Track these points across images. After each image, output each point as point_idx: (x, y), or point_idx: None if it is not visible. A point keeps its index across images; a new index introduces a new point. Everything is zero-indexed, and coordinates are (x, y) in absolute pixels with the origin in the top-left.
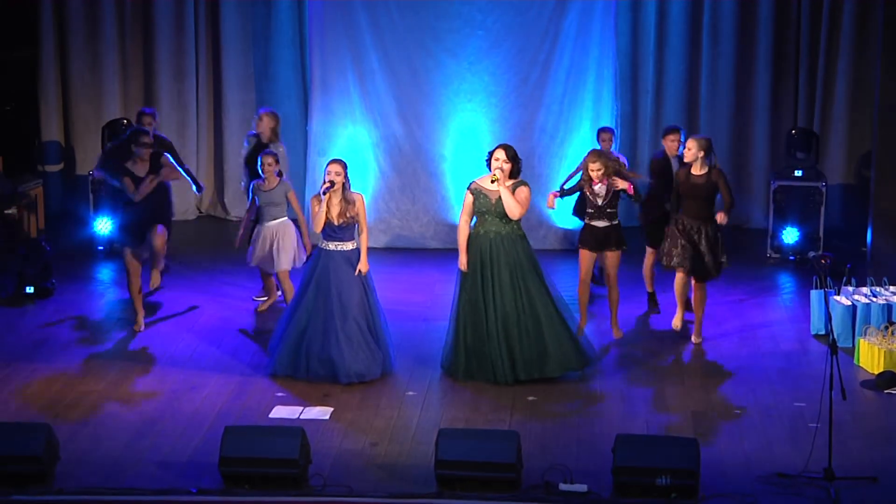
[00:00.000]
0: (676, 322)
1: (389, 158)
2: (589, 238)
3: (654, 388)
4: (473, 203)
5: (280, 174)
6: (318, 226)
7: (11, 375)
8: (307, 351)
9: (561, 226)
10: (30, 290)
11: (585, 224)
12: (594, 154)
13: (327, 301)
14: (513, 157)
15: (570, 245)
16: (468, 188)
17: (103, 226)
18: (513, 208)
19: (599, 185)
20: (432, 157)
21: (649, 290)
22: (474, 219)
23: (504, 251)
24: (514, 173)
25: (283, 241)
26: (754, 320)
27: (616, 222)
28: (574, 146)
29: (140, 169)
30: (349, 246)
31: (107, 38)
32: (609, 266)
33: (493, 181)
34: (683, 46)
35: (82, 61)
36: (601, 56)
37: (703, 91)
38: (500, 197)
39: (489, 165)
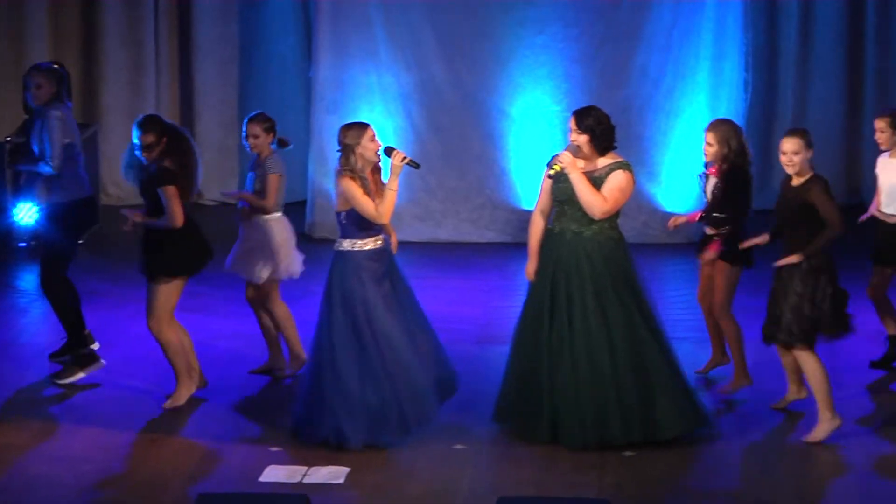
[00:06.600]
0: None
1: (427, 115)
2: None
3: (794, 445)
4: (552, 188)
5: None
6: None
7: None
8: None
9: (669, 209)
10: None
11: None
12: (710, 126)
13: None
14: (591, 125)
15: (684, 238)
16: (548, 165)
17: (26, 214)
18: (590, 202)
19: (710, 175)
20: (489, 113)
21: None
22: (554, 210)
23: (587, 259)
24: (602, 147)
25: None
26: None
27: (725, 230)
28: (687, 96)
29: None
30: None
31: None
32: (715, 288)
33: (549, 175)
34: None
35: None
36: None
37: (870, 18)
38: None
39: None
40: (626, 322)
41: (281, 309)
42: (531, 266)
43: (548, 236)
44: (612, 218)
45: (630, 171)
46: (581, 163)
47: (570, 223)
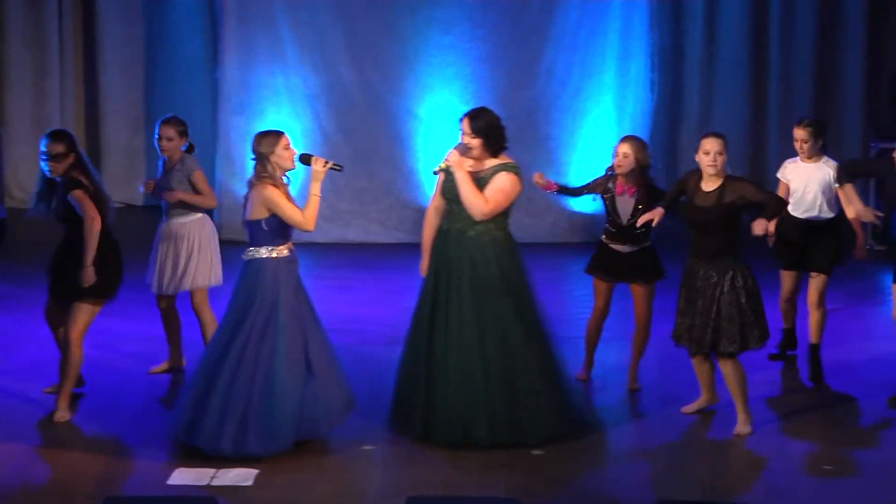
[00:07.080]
0: (688, 408)
1: (335, 116)
2: (602, 262)
3: (702, 443)
4: (444, 184)
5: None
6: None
7: None
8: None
9: (578, 209)
10: None
11: (600, 243)
12: (628, 138)
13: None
14: (484, 128)
15: (591, 237)
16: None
17: None
18: (471, 202)
19: (624, 194)
20: (396, 114)
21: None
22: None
23: (468, 259)
24: (494, 149)
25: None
26: (853, 339)
27: (647, 245)
28: (594, 96)
29: None
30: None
31: None
32: (636, 301)
33: (435, 172)
34: None
35: None
36: None
37: (774, 20)
38: None
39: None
40: (501, 324)
41: (209, 315)
42: (424, 263)
43: (438, 234)
44: (500, 218)
45: (516, 173)
46: (469, 162)
47: (456, 222)
